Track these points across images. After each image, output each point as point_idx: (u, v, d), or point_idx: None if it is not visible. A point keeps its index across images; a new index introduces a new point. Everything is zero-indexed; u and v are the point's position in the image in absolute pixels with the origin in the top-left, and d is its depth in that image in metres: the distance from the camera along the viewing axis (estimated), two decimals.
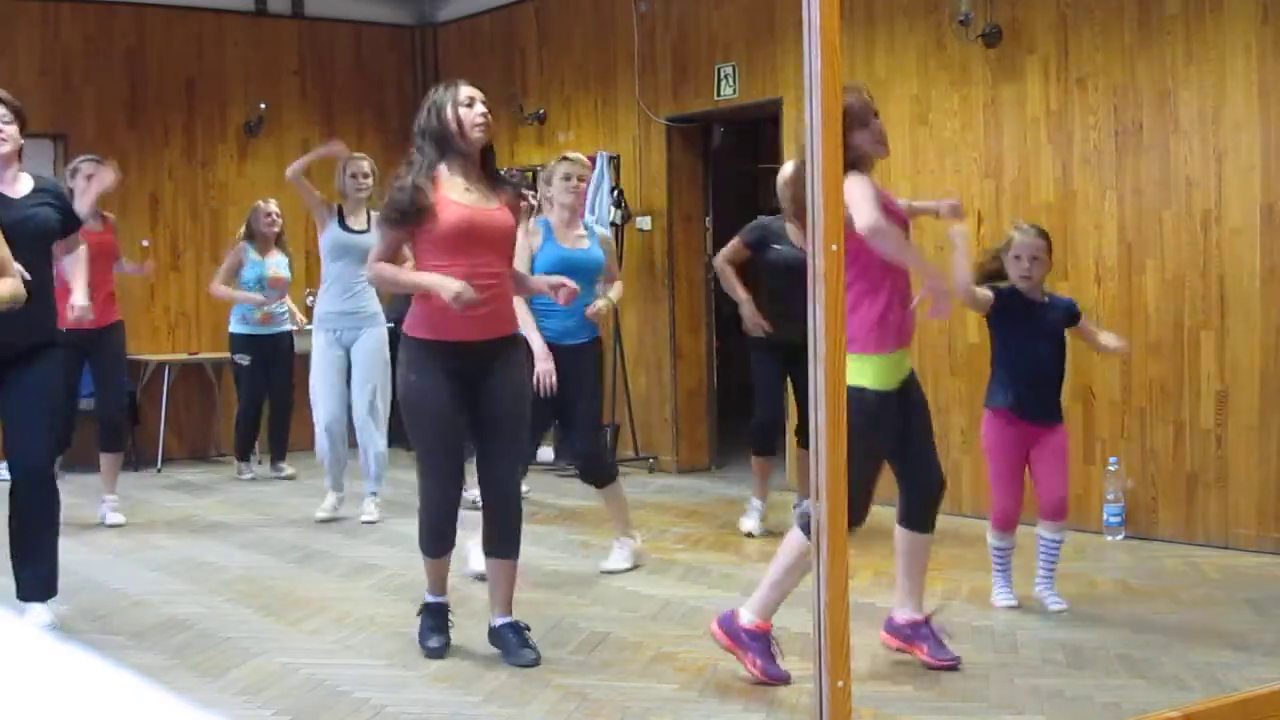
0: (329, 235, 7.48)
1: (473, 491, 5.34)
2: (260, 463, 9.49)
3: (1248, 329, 6.42)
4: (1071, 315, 5.42)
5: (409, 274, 4.74)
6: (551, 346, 5.98)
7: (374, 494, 7.63)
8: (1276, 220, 6.32)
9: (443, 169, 4.69)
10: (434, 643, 4.84)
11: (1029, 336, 5.29)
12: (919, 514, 4.69)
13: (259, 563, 6.55)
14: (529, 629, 4.86)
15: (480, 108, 4.76)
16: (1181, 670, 4.51)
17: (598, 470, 6.18)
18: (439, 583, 4.92)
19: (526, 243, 6.00)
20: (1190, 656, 4.67)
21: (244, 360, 9.06)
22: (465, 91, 4.77)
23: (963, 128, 7.52)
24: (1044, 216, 7.09)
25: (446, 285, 4.49)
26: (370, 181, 7.59)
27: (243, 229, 9.03)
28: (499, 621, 4.86)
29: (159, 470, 9.76)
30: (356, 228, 7.48)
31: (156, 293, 10.31)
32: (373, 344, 7.56)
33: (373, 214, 7.48)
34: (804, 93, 2.67)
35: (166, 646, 4.99)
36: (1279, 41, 6.25)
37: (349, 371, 7.58)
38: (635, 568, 6.23)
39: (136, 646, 4.98)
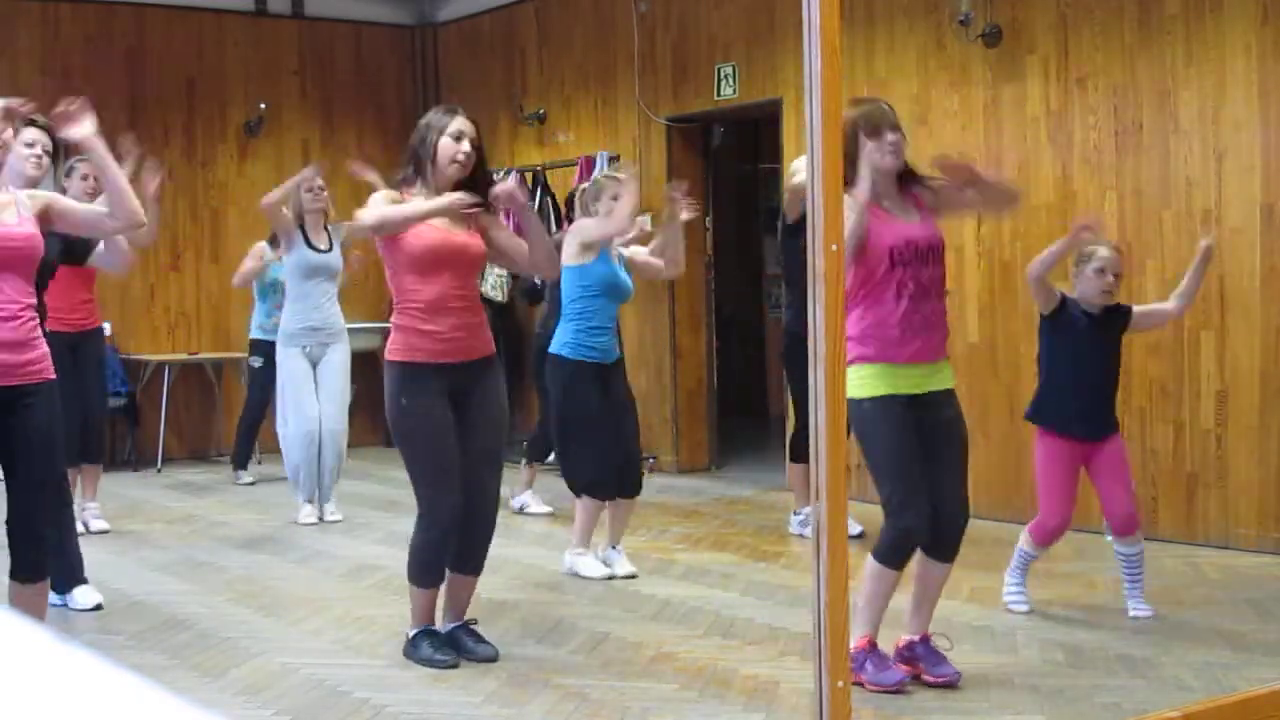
0: (297, 255, 7.57)
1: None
2: (260, 462, 9.47)
3: (1248, 329, 6.42)
4: (1126, 319, 5.29)
5: (415, 204, 4.61)
6: (597, 365, 5.95)
7: (328, 500, 7.70)
8: (1276, 220, 6.32)
9: (418, 192, 4.68)
10: (443, 656, 4.72)
11: (1085, 351, 5.17)
12: (933, 540, 4.43)
13: (259, 563, 6.55)
14: (477, 624, 4.90)
15: (466, 145, 4.66)
16: (1181, 670, 4.51)
17: (634, 480, 6.12)
18: (428, 612, 4.82)
19: (597, 238, 5.89)
20: (1190, 656, 4.67)
21: (256, 362, 9.00)
22: (456, 125, 4.67)
23: (963, 128, 7.51)
24: (1044, 216, 7.11)
25: (444, 201, 4.54)
26: (325, 194, 7.69)
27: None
28: (449, 626, 4.85)
29: (159, 470, 9.76)
30: (321, 247, 7.60)
31: (156, 293, 10.31)
32: (339, 360, 7.66)
33: (330, 230, 7.65)
34: (804, 93, 2.67)
35: (166, 646, 4.99)
36: (1279, 41, 6.25)
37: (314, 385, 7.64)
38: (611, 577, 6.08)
39: (136, 646, 4.98)
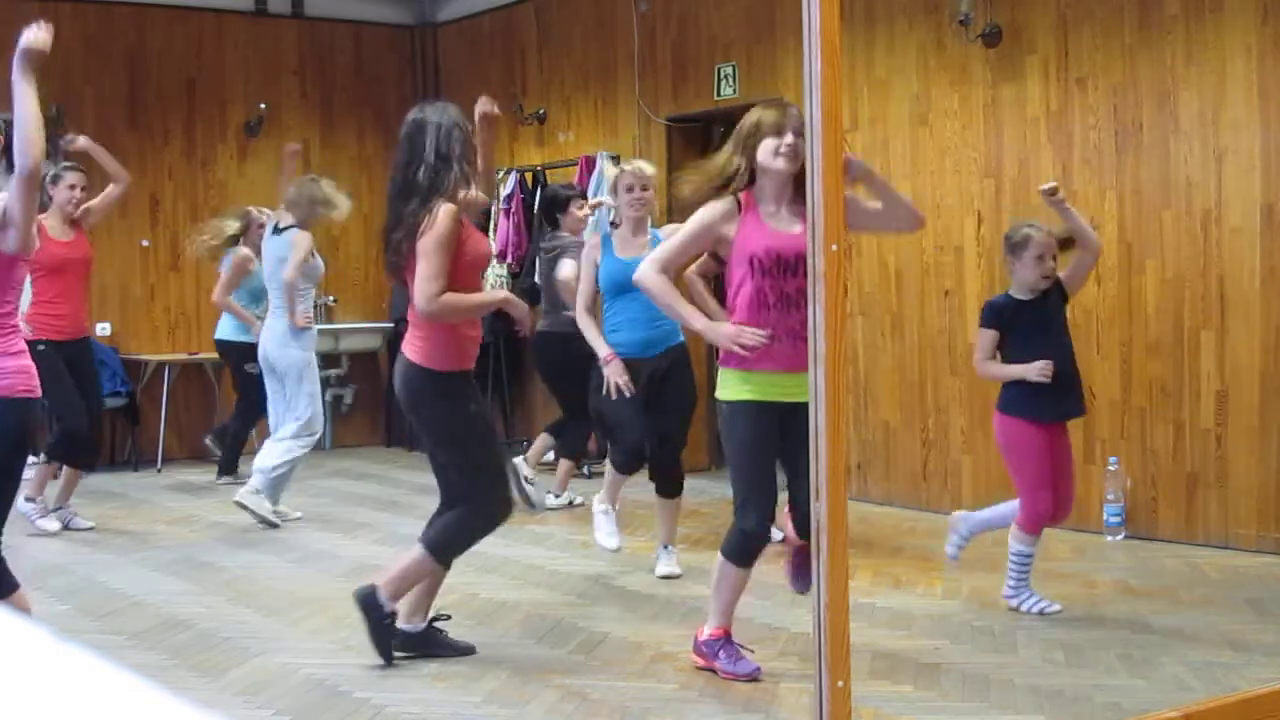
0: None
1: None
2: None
3: (1248, 329, 6.42)
4: (1062, 290, 5.33)
5: (476, 296, 4.75)
6: (632, 360, 5.93)
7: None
8: (1276, 220, 6.32)
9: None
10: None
11: (1046, 339, 5.21)
12: (796, 529, 4.61)
13: (259, 563, 6.55)
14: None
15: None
16: (1181, 670, 4.51)
17: (670, 478, 6.07)
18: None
19: (590, 256, 6.15)
20: (1190, 656, 4.66)
21: (254, 369, 8.92)
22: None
23: (963, 128, 7.52)
24: (1044, 217, 7.08)
25: (504, 297, 4.96)
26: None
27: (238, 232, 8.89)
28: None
29: (159, 470, 9.76)
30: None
31: (156, 293, 10.32)
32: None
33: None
34: (804, 93, 2.68)
35: (166, 646, 4.99)
36: (1279, 42, 6.26)
37: None
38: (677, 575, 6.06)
39: (136, 646, 4.98)
